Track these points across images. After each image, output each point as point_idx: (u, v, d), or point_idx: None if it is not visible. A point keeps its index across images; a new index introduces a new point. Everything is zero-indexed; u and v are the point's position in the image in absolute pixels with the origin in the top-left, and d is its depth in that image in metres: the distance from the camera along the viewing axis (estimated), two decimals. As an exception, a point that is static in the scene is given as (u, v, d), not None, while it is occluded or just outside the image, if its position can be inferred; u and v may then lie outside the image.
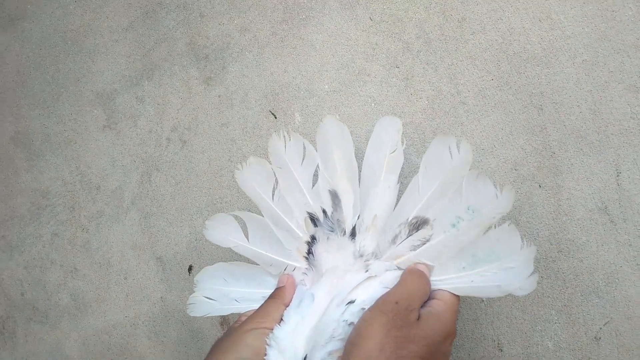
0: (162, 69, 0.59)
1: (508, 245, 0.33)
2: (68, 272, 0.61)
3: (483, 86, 0.45)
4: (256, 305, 0.40)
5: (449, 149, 0.35)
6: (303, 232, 0.41)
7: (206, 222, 0.43)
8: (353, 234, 0.39)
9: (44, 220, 0.63)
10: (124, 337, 0.58)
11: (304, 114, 0.52)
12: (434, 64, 0.47)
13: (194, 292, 0.43)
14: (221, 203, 0.55)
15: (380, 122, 0.39)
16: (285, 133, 0.41)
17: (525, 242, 0.33)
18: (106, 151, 0.61)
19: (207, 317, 0.54)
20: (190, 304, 0.42)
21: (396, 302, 0.32)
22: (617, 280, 0.41)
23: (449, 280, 0.35)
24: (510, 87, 0.44)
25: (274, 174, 0.42)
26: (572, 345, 0.42)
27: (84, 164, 0.62)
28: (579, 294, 0.42)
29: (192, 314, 0.42)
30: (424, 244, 0.36)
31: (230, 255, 0.54)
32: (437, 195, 0.35)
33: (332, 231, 0.39)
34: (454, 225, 0.34)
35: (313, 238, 0.40)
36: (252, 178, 0.42)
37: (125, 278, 0.58)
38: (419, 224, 0.36)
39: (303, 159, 0.41)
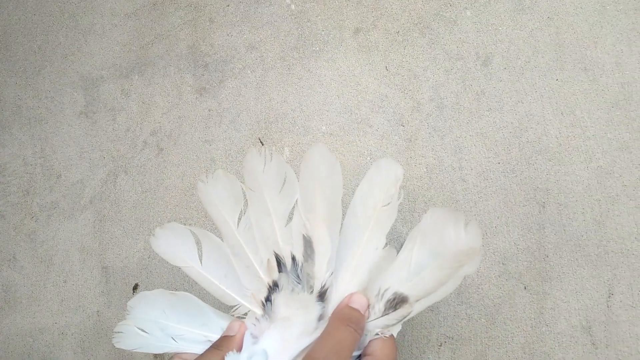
0: (156, 67, 0.54)
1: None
2: (5, 259, 0.56)
3: (487, 168, 0.42)
4: (196, 348, 0.35)
5: (455, 227, 0.28)
6: (265, 273, 0.35)
7: (156, 228, 0.36)
8: (322, 295, 0.33)
9: (-7, 198, 0.57)
10: (49, 345, 0.53)
11: (294, 151, 0.48)
12: (441, 131, 0.44)
13: (125, 319, 0.36)
14: (185, 224, 0.50)
15: (377, 165, 0.32)
16: (267, 151, 0.34)
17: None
18: (77, 139, 0.56)
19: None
20: (117, 332, 0.35)
21: None
22: (588, 410, 0.37)
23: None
24: (516, 176, 0.41)
25: (244, 197, 0.35)
26: None
27: (49, 148, 0.57)
28: (545, 416, 0.38)
29: (117, 345, 0.35)
30: (400, 321, 0.30)
31: (181, 283, 0.49)
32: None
33: (298, 283, 0.34)
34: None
35: (275, 284, 0.35)
36: (217, 195, 0.35)
37: (65, 281, 0.53)
38: (397, 303, 0.30)
39: (282, 187, 0.34)
